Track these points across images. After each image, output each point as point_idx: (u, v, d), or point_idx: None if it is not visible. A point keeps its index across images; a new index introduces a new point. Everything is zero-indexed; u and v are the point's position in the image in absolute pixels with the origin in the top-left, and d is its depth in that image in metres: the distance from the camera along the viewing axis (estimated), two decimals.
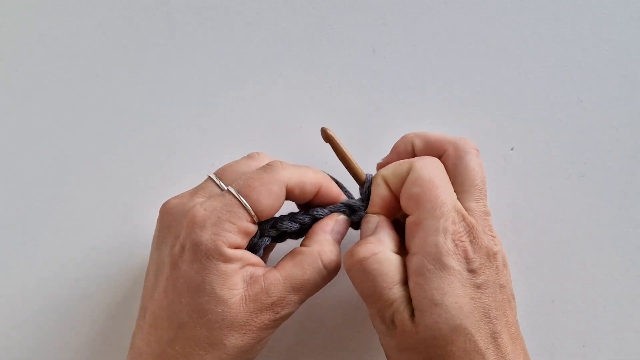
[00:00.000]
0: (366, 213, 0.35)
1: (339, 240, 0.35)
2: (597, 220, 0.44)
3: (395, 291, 0.30)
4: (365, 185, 0.36)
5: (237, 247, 0.31)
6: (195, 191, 0.33)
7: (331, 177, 0.36)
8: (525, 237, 0.43)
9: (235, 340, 0.30)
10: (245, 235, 0.31)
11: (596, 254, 0.43)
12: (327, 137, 0.36)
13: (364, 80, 0.45)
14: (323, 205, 0.35)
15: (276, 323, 0.32)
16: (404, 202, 0.32)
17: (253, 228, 0.32)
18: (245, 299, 0.30)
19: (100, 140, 0.45)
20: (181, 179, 0.44)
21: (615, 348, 0.42)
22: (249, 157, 0.35)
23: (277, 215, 0.34)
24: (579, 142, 0.44)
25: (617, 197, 0.44)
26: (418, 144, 0.36)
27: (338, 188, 0.36)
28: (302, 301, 0.33)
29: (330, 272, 0.33)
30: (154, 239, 0.34)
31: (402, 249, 0.33)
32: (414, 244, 0.31)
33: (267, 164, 0.33)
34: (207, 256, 0.30)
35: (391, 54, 0.46)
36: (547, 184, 0.44)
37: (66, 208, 0.44)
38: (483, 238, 0.31)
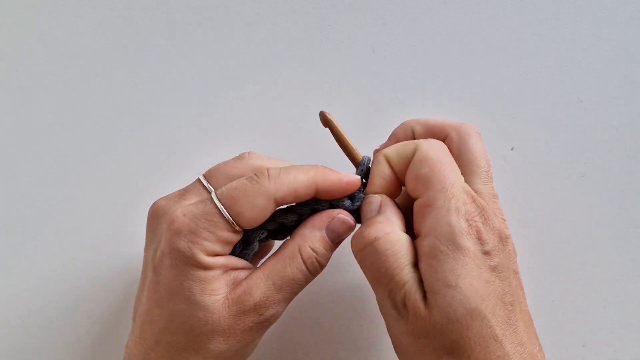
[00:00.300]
0: (366, 193, 0.33)
1: (335, 240, 0.33)
2: (597, 220, 0.44)
3: (407, 272, 0.29)
4: (363, 164, 0.34)
5: (217, 255, 0.30)
6: (183, 193, 0.32)
7: None
8: (525, 237, 0.43)
9: (219, 344, 0.29)
10: (226, 244, 0.30)
11: (596, 254, 0.43)
12: (325, 120, 0.35)
13: (364, 80, 0.45)
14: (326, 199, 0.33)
15: (261, 325, 0.31)
16: (411, 184, 0.31)
17: (234, 237, 0.30)
18: (228, 303, 0.29)
19: (100, 140, 0.45)
20: (181, 179, 0.44)
21: (615, 348, 0.42)
22: (239, 157, 0.33)
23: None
24: (579, 142, 0.44)
25: (617, 197, 0.44)
26: (418, 129, 0.35)
27: (336, 174, 0.32)
28: (286, 300, 0.31)
29: (310, 270, 0.31)
30: (145, 240, 0.34)
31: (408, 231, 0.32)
32: (425, 225, 0.29)
33: (254, 174, 0.30)
34: (184, 263, 0.29)
35: (391, 54, 0.46)
36: (547, 184, 0.44)
37: (66, 208, 0.44)
38: (494, 220, 0.29)
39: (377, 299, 0.31)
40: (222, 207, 0.29)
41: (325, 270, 0.43)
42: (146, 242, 0.33)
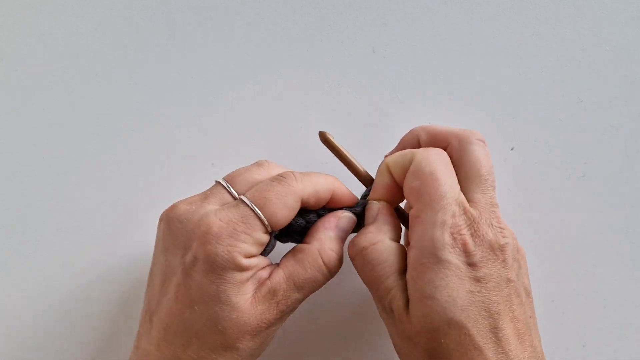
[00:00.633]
0: (368, 200, 0.35)
1: (343, 237, 0.34)
2: (597, 220, 0.44)
3: (393, 279, 0.31)
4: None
5: (252, 256, 0.31)
6: (205, 197, 0.33)
7: None
8: (525, 237, 0.43)
9: (247, 342, 0.31)
10: (260, 245, 0.32)
11: (596, 254, 0.43)
12: (325, 141, 0.36)
13: (364, 80, 0.45)
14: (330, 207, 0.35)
15: (282, 320, 0.33)
16: (406, 194, 0.32)
17: (266, 238, 0.32)
18: (255, 302, 0.31)
19: (100, 140, 0.45)
20: (181, 179, 0.44)
21: (615, 348, 0.42)
22: (259, 164, 0.35)
23: None
24: (579, 142, 0.44)
25: (617, 197, 0.44)
26: (424, 137, 0.36)
27: (349, 191, 0.36)
28: (305, 298, 0.33)
29: (331, 270, 0.33)
30: (158, 243, 0.33)
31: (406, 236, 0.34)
32: (413, 237, 0.31)
33: (279, 175, 0.32)
34: (223, 267, 0.30)
35: (391, 54, 0.46)
36: (547, 184, 0.44)
37: (66, 208, 0.44)
38: (487, 231, 0.30)
39: (374, 301, 0.33)
40: (257, 209, 0.31)
41: None
42: (164, 245, 0.32)
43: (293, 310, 0.33)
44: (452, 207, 0.30)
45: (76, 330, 0.42)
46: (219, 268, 0.30)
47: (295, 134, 0.45)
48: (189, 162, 0.44)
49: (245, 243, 0.30)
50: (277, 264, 0.33)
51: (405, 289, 0.30)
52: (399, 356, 0.33)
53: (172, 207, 0.33)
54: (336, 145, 0.36)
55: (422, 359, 0.30)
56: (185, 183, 0.35)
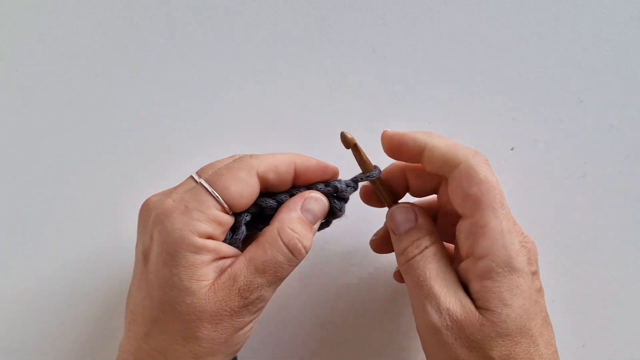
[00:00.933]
0: (400, 203, 0.35)
1: (311, 219, 0.33)
2: (597, 220, 0.44)
3: (455, 280, 0.31)
4: (374, 173, 0.35)
5: (209, 237, 0.30)
6: (174, 188, 0.33)
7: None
8: None
9: (208, 332, 0.30)
10: (218, 224, 0.30)
11: (596, 254, 0.43)
12: (347, 142, 0.34)
13: (364, 80, 0.45)
14: (303, 185, 0.34)
15: (248, 310, 0.31)
16: (457, 200, 0.32)
17: (226, 218, 0.31)
18: (214, 289, 0.30)
19: (100, 140, 0.45)
20: (181, 179, 0.44)
21: (615, 348, 0.42)
22: (232, 157, 0.34)
23: None
24: (579, 142, 0.44)
25: (617, 197, 0.44)
26: (428, 153, 0.33)
27: (315, 160, 0.34)
28: (271, 284, 0.31)
29: (292, 250, 0.31)
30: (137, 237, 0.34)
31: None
32: (480, 247, 0.30)
33: (236, 156, 0.32)
34: (174, 247, 0.29)
35: (391, 54, 0.46)
36: (547, 184, 0.44)
37: (66, 208, 0.44)
38: (533, 242, 0.31)
39: (415, 305, 0.32)
40: (208, 185, 0.30)
41: (326, 270, 0.43)
42: (137, 238, 0.33)
43: (261, 300, 0.31)
44: (511, 215, 0.30)
45: (76, 329, 0.42)
46: (171, 249, 0.29)
47: (296, 134, 0.45)
48: (189, 162, 0.44)
49: (198, 221, 0.29)
50: (241, 253, 0.32)
51: (466, 293, 0.30)
52: None
53: (145, 200, 0.33)
54: (360, 149, 0.35)
55: None
56: None
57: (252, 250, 0.31)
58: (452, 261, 0.33)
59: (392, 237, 0.34)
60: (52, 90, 0.45)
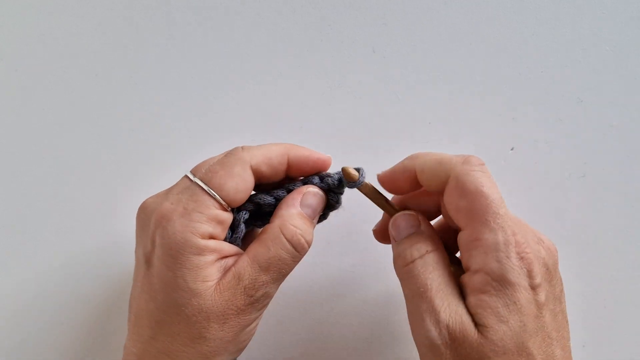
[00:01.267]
0: (403, 211, 0.34)
1: (310, 214, 0.33)
2: (597, 220, 0.44)
3: (455, 292, 0.29)
4: (362, 176, 0.34)
5: (211, 237, 0.30)
6: (169, 189, 0.32)
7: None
8: None
9: (215, 331, 0.30)
10: (218, 223, 0.30)
11: (596, 254, 0.43)
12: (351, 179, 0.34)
13: (364, 80, 0.45)
14: (298, 179, 0.34)
15: (253, 307, 0.31)
16: (451, 214, 0.31)
17: (226, 215, 0.31)
18: (220, 289, 0.30)
19: (100, 140, 0.45)
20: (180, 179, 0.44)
21: (615, 348, 0.42)
22: (223, 153, 0.34)
23: None
24: (579, 142, 0.44)
25: (617, 197, 0.44)
26: (420, 170, 0.33)
27: (307, 150, 0.34)
28: (275, 281, 0.31)
29: (295, 246, 0.32)
30: (135, 239, 0.34)
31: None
32: (475, 261, 0.29)
33: (228, 150, 0.32)
34: (177, 250, 0.29)
35: (391, 54, 0.46)
36: (547, 184, 0.44)
37: (66, 208, 0.44)
38: (538, 249, 0.29)
39: (413, 316, 0.31)
40: (204, 184, 0.30)
41: (326, 270, 0.43)
42: (136, 241, 0.33)
43: (266, 296, 0.32)
44: (509, 225, 0.28)
45: (76, 329, 0.42)
46: (174, 252, 0.29)
47: (296, 134, 0.45)
48: (189, 162, 0.44)
49: (198, 222, 0.29)
50: (244, 252, 0.32)
51: (465, 307, 0.29)
52: None
53: (142, 203, 0.33)
54: (370, 186, 0.34)
55: None
56: None
57: (255, 248, 0.31)
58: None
59: (393, 243, 0.33)
60: (52, 90, 0.45)
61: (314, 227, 0.33)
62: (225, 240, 0.32)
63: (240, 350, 0.33)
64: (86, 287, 0.43)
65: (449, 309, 0.29)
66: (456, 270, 0.32)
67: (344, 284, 0.43)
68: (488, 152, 0.44)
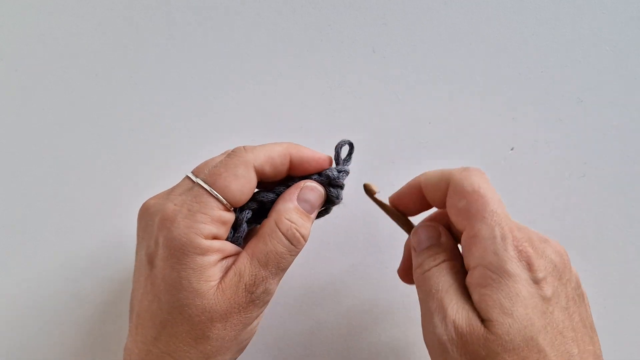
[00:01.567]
0: (417, 225, 0.35)
1: (308, 209, 0.33)
2: (597, 220, 0.44)
3: (467, 296, 0.29)
4: (338, 149, 0.35)
5: (214, 238, 0.30)
6: (171, 190, 0.33)
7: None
8: None
9: (218, 331, 0.30)
10: (222, 224, 0.31)
11: (596, 254, 0.43)
12: (369, 191, 0.35)
13: (364, 80, 0.45)
14: (299, 176, 0.34)
15: (255, 305, 0.31)
16: (453, 218, 0.31)
17: (229, 216, 0.31)
18: (222, 288, 0.30)
19: (100, 140, 0.45)
20: (181, 179, 0.44)
21: (615, 348, 0.42)
22: (225, 153, 0.34)
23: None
24: (579, 142, 0.44)
25: (617, 197, 0.44)
26: (425, 184, 0.34)
27: (309, 150, 0.34)
28: (274, 275, 0.32)
29: (291, 240, 0.32)
30: (136, 240, 0.34)
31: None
32: (473, 257, 0.29)
33: (231, 151, 0.32)
34: (181, 251, 0.29)
35: (391, 54, 0.46)
36: (547, 184, 0.44)
37: (66, 208, 0.44)
38: (544, 247, 0.29)
39: (424, 316, 0.31)
40: (207, 186, 0.30)
41: (326, 270, 0.43)
42: (138, 241, 0.33)
43: (267, 293, 0.32)
44: (507, 222, 0.29)
45: (76, 329, 0.42)
46: (178, 252, 0.29)
47: (296, 134, 0.45)
48: (189, 162, 0.44)
49: (202, 223, 0.29)
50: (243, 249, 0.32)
51: (469, 310, 0.29)
52: None
53: (144, 203, 0.33)
54: (380, 201, 0.36)
55: None
56: None
57: (253, 244, 0.32)
58: None
59: (413, 254, 0.34)
60: (52, 90, 0.45)
61: (312, 221, 0.34)
62: (227, 239, 0.32)
63: (242, 350, 0.33)
64: (86, 287, 0.43)
65: (457, 306, 0.29)
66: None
67: (344, 284, 0.43)
68: (488, 152, 0.44)
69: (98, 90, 0.45)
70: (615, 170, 0.44)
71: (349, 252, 0.43)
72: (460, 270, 0.31)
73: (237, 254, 0.32)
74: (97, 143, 0.45)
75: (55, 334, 0.42)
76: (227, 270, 0.31)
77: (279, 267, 0.32)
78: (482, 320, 0.28)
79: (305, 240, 0.32)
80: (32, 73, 0.46)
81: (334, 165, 0.35)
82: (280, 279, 0.32)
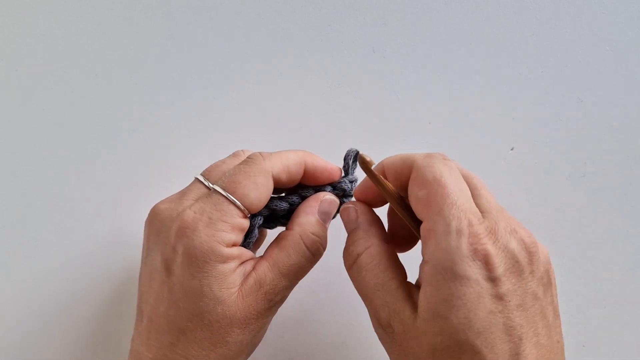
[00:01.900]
0: (344, 203, 0.34)
1: (326, 220, 0.34)
2: (597, 220, 0.44)
3: (390, 288, 0.29)
4: (348, 159, 0.36)
5: (233, 245, 0.31)
6: (183, 193, 0.33)
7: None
8: None
9: (237, 336, 0.30)
10: (240, 231, 0.31)
11: (596, 254, 0.43)
12: (363, 162, 0.33)
13: (364, 80, 0.45)
14: (311, 185, 0.35)
15: (272, 310, 0.32)
16: (413, 207, 0.30)
17: (245, 223, 0.31)
18: (242, 295, 0.30)
19: (100, 140, 0.45)
20: (181, 179, 0.44)
21: (615, 348, 0.42)
22: (234, 155, 0.35)
23: None
24: (579, 142, 0.44)
25: (617, 197, 0.44)
26: (387, 169, 0.33)
27: (323, 160, 0.35)
28: (292, 285, 0.33)
29: (314, 253, 0.33)
30: (144, 243, 0.34)
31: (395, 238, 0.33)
32: (427, 251, 0.27)
33: (247, 157, 0.32)
34: (203, 259, 0.29)
35: (391, 54, 0.46)
36: (547, 184, 0.44)
37: (66, 208, 0.44)
38: (508, 239, 0.27)
39: (370, 317, 0.31)
40: (228, 194, 0.30)
41: (327, 270, 0.43)
42: (148, 245, 0.33)
43: (282, 299, 0.33)
44: (466, 215, 0.27)
45: (76, 329, 0.42)
46: (200, 261, 0.29)
47: (296, 134, 0.45)
48: (189, 162, 0.44)
49: (223, 231, 0.30)
50: (261, 256, 0.33)
51: (407, 300, 0.28)
52: None
53: (154, 207, 0.33)
54: (374, 173, 0.33)
55: None
56: (186, 183, 0.34)
57: (275, 254, 0.32)
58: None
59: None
60: (52, 90, 0.45)
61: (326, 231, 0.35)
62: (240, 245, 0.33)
63: (252, 351, 0.33)
64: (86, 287, 0.43)
65: (388, 308, 0.28)
66: None
67: (344, 284, 0.43)
68: (488, 152, 0.44)
69: (98, 90, 0.45)
70: (615, 170, 0.44)
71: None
72: (384, 254, 0.30)
73: (252, 259, 0.32)
74: (97, 143, 0.45)
75: (55, 333, 0.42)
76: (245, 276, 0.31)
77: (297, 278, 0.33)
78: (419, 317, 0.27)
79: (324, 251, 0.34)
80: (32, 73, 0.46)
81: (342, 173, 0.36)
82: (293, 287, 0.33)
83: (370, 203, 0.34)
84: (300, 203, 0.35)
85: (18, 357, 0.42)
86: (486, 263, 0.26)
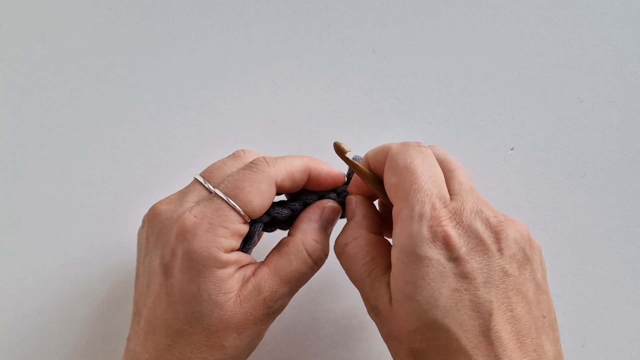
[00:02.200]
0: (347, 195, 0.34)
1: (328, 228, 0.34)
2: (597, 220, 0.44)
3: (376, 275, 0.30)
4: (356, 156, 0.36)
5: (232, 250, 0.31)
6: (182, 195, 0.32)
7: None
8: None
9: (233, 340, 0.30)
10: (239, 236, 0.31)
11: (596, 254, 0.43)
12: (339, 150, 0.34)
13: (364, 80, 0.45)
14: (314, 191, 0.35)
15: (270, 317, 0.32)
16: (387, 193, 0.31)
17: (245, 228, 0.31)
18: (240, 300, 0.30)
19: (100, 140, 0.45)
20: (181, 179, 0.44)
21: (615, 348, 0.42)
22: (235, 156, 0.34)
23: None
24: (579, 142, 0.44)
25: (617, 197, 0.44)
26: (367, 160, 0.33)
27: (327, 165, 0.34)
28: (292, 292, 0.33)
29: (316, 261, 0.33)
30: (140, 244, 0.33)
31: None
32: (395, 236, 0.29)
33: (251, 162, 0.32)
34: (202, 264, 0.29)
35: (391, 54, 0.46)
36: (547, 184, 0.44)
37: (66, 208, 0.44)
38: (473, 219, 0.27)
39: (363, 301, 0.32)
40: (230, 200, 0.30)
41: (326, 270, 0.43)
42: (146, 247, 0.32)
43: (282, 307, 0.33)
44: (431, 199, 0.28)
45: (75, 329, 0.42)
46: (199, 265, 0.29)
47: (296, 134, 0.45)
48: (189, 162, 0.44)
49: (223, 237, 0.30)
50: (262, 262, 0.33)
51: (389, 285, 0.29)
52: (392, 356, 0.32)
53: (152, 208, 0.32)
54: (355, 163, 0.34)
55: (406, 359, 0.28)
56: (185, 183, 0.34)
57: (275, 260, 0.32)
58: None
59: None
60: (52, 90, 0.45)
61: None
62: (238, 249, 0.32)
63: (248, 355, 0.33)
64: (86, 287, 0.43)
65: (374, 293, 0.30)
66: None
67: (344, 284, 0.43)
68: (488, 152, 0.44)
69: (98, 90, 0.45)
70: (615, 170, 0.44)
71: None
72: (373, 242, 0.31)
73: (251, 264, 0.32)
74: (97, 143, 0.45)
75: (54, 334, 0.42)
76: (244, 280, 0.31)
77: (298, 285, 0.33)
78: (392, 301, 0.28)
79: (326, 259, 0.34)
80: (32, 73, 0.46)
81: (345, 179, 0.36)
82: (294, 295, 0.33)
83: (367, 196, 0.35)
84: (302, 209, 0.34)
85: (18, 357, 0.42)
86: (447, 244, 0.27)
